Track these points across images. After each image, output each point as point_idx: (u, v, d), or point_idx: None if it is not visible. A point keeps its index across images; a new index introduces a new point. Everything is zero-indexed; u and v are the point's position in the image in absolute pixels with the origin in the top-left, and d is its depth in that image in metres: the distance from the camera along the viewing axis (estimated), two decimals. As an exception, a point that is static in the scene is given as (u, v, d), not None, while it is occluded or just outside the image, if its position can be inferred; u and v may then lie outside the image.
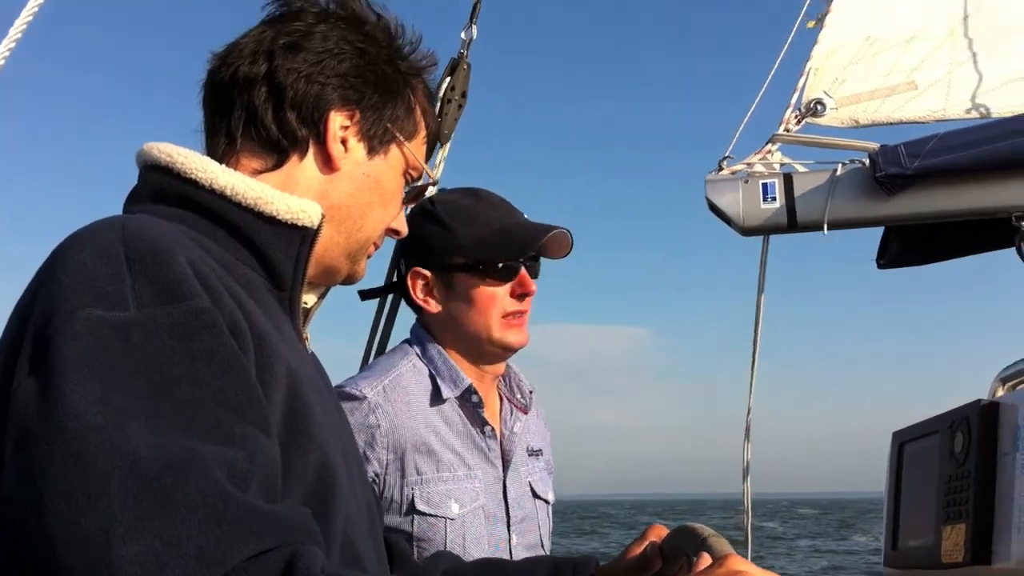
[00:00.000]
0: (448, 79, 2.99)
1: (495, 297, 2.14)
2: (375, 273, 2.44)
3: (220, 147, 1.30)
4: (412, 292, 2.19)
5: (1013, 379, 1.74)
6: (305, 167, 1.30)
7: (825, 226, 2.88)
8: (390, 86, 1.35)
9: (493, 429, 2.17)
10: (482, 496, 2.13)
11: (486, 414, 2.17)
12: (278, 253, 1.25)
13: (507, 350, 2.18)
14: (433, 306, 2.18)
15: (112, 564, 0.84)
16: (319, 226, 1.26)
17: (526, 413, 2.29)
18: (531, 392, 2.32)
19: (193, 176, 1.23)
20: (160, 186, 1.24)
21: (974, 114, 3.15)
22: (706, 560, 1.14)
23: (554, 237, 2.16)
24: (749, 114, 3.10)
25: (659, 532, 1.60)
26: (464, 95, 3.03)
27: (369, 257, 1.40)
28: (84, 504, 0.87)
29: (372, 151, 1.33)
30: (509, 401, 2.29)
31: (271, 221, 1.23)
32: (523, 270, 2.15)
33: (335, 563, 1.13)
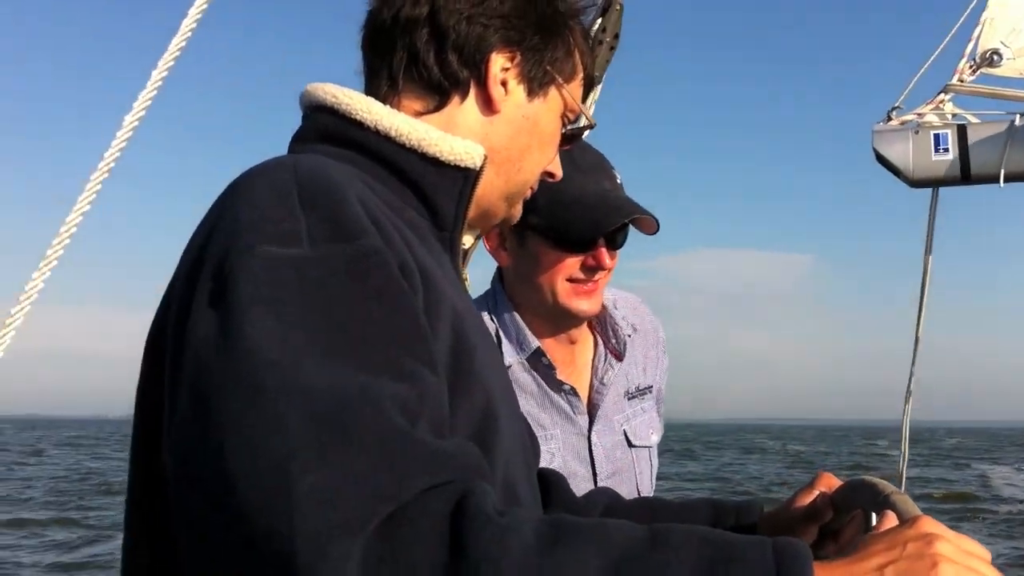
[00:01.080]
0: (600, 20, 2.94)
1: (563, 264, 2.01)
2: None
3: (382, 89, 1.30)
4: (485, 241, 2.12)
5: None
6: (466, 109, 1.30)
7: (1002, 178, 2.81)
8: (550, 27, 1.33)
9: (572, 387, 2.09)
10: (558, 457, 2.06)
11: (566, 373, 2.11)
12: (441, 194, 1.26)
13: (573, 317, 2.08)
14: (504, 259, 2.10)
15: (291, 496, 0.85)
16: (481, 167, 1.26)
17: (620, 359, 2.19)
18: (628, 335, 2.21)
19: (358, 117, 1.24)
20: (326, 127, 1.26)
21: None
22: (891, 519, 1.09)
23: (633, 222, 2.03)
24: (928, 64, 3.02)
25: (829, 482, 1.54)
26: (616, 36, 2.94)
27: (525, 200, 1.40)
28: (262, 439, 0.88)
29: (532, 93, 1.32)
30: (605, 346, 2.19)
31: (434, 162, 1.24)
32: (600, 244, 2.01)
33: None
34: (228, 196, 1.08)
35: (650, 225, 2.04)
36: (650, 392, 2.24)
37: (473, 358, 1.14)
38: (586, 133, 1.70)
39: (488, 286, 2.18)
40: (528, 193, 1.39)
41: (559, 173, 1.42)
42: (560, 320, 2.08)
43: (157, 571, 1.09)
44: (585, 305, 2.04)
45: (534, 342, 2.05)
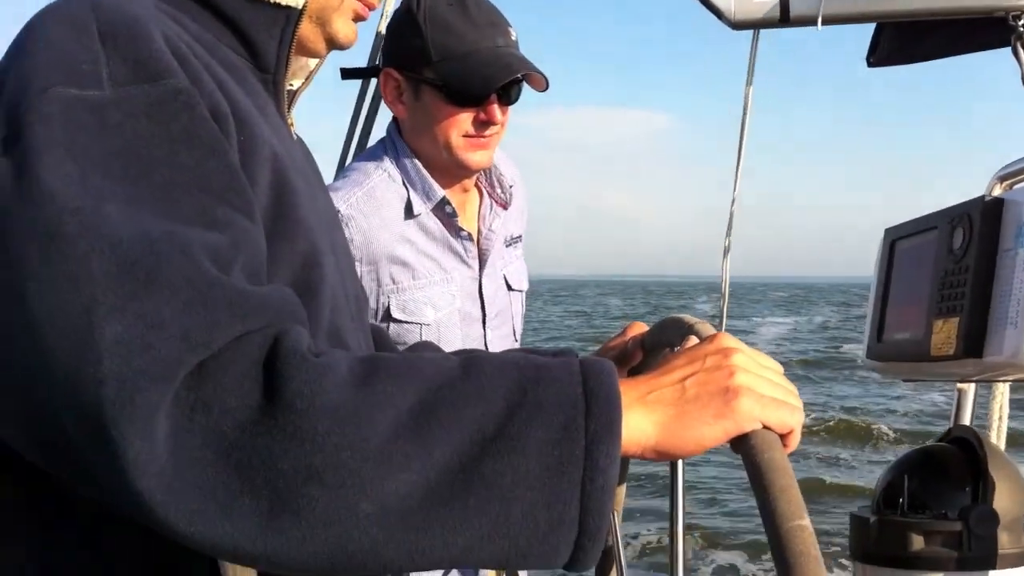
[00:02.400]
0: None
1: (457, 119, 2.10)
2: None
3: None
4: (383, 90, 2.17)
5: (1011, 177, 1.72)
6: None
7: (819, 21, 2.79)
8: None
9: (469, 233, 2.19)
10: (458, 299, 2.16)
11: (461, 220, 2.18)
12: (261, 33, 1.20)
13: (467, 169, 2.15)
14: (401, 111, 2.17)
15: (96, 345, 0.82)
16: (304, 5, 1.20)
17: (506, 208, 2.28)
18: (511, 187, 2.30)
19: None
20: None
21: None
22: (693, 341, 1.12)
23: (524, 78, 2.10)
24: None
25: (639, 328, 1.62)
26: None
27: (359, 18, 1.30)
28: (64, 286, 0.84)
29: None
30: (490, 196, 2.28)
31: (252, 0, 1.18)
32: (492, 99, 2.09)
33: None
34: (22, 36, 1.01)
35: (539, 82, 2.12)
36: (520, 241, 2.36)
37: (296, 203, 1.11)
38: None
39: (376, 138, 2.29)
40: (356, 8, 1.29)
41: None
42: (455, 171, 2.15)
43: None
44: (479, 157, 2.13)
45: (440, 191, 2.14)
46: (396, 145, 2.18)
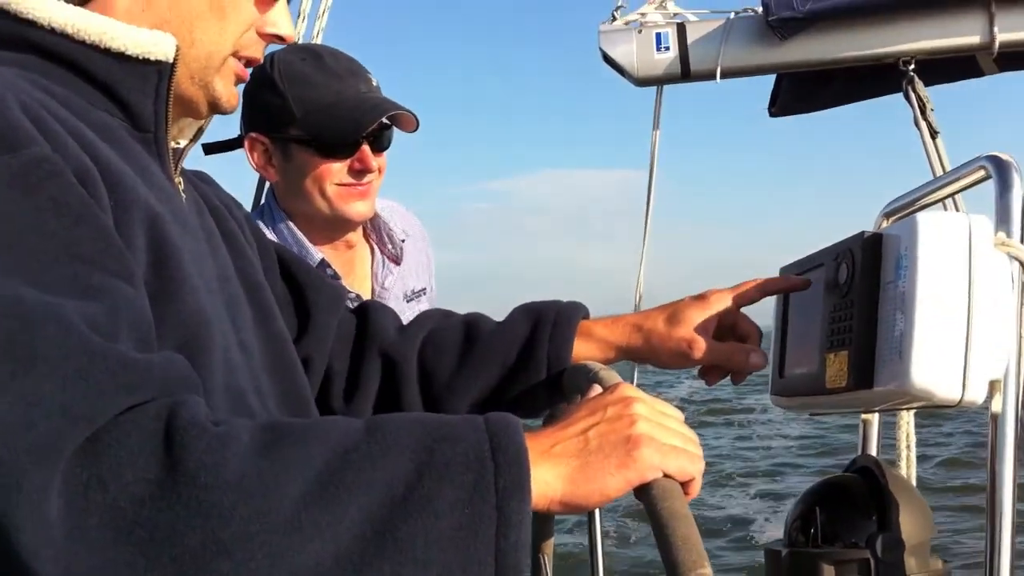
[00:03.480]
0: None
1: (330, 170, 2.04)
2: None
3: None
4: (249, 157, 2.10)
5: (896, 212, 1.79)
6: None
7: (718, 74, 2.90)
8: None
9: (358, 295, 2.09)
10: None
11: (349, 281, 2.12)
12: (134, 92, 1.16)
13: (348, 221, 2.10)
14: (272, 175, 2.10)
15: None
16: (175, 60, 1.16)
17: (398, 264, 2.23)
18: (403, 241, 2.24)
19: (30, 16, 1.12)
20: None
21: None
22: (597, 391, 1.12)
23: (393, 118, 2.05)
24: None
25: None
26: None
27: (240, 81, 1.27)
28: None
29: None
30: (382, 252, 2.22)
31: (120, 58, 1.14)
32: (363, 147, 2.04)
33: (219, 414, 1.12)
34: None
35: (409, 122, 2.07)
36: (424, 294, 2.28)
37: (179, 262, 1.08)
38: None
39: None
40: (237, 70, 1.26)
41: (284, 31, 1.28)
42: (336, 226, 2.10)
43: None
44: (360, 207, 2.07)
45: (317, 253, 2.07)
46: (272, 212, 2.13)
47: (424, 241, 2.35)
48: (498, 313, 1.64)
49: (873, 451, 1.88)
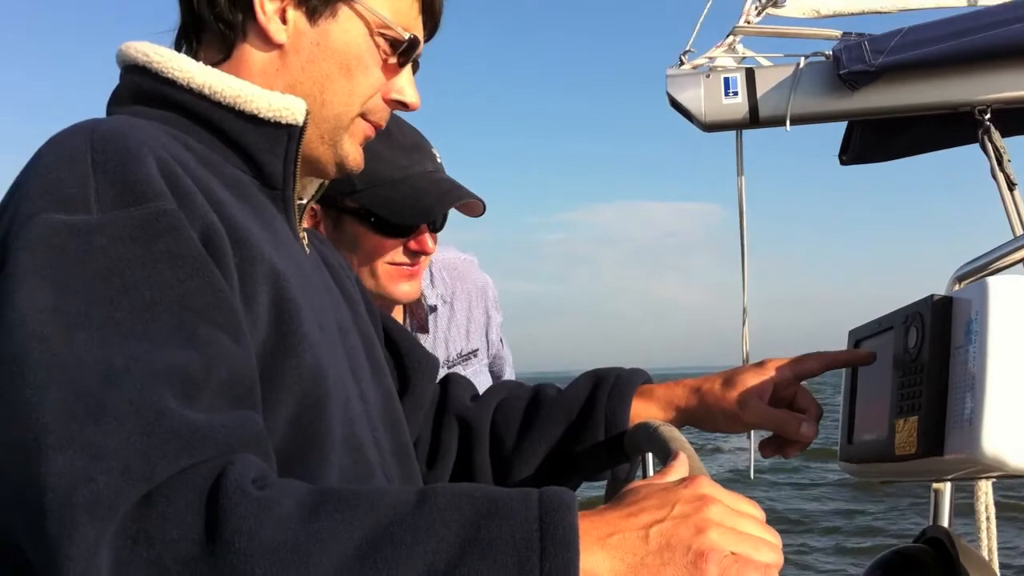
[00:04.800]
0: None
1: (383, 248, 1.94)
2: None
3: (191, 43, 1.27)
4: None
5: (968, 276, 1.73)
6: (251, 52, 1.23)
7: (788, 121, 2.85)
8: None
9: None
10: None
11: None
12: (265, 153, 1.21)
13: (392, 302, 2.02)
14: None
15: (41, 475, 0.83)
16: (305, 122, 1.21)
17: (426, 333, 2.16)
18: (434, 307, 2.19)
19: (171, 76, 1.19)
20: (139, 87, 1.21)
21: (931, 3, 3.12)
22: (674, 470, 1.06)
23: (460, 206, 1.97)
24: (708, 6, 3.04)
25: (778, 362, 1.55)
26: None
27: (367, 139, 1.31)
28: (21, 412, 0.86)
29: (314, 16, 1.23)
30: (413, 318, 2.18)
31: (253, 120, 1.19)
32: (423, 229, 1.95)
33: (341, 466, 1.12)
34: (29, 163, 1.05)
35: (476, 208, 1.98)
36: (475, 356, 2.23)
37: (299, 319, 1.11)
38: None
39: None
40: (366, 130, 1.29)
41: (411, 99, 1.31)
42: (378, 300, 1.98)
43: None
44: (407, 288, 1.99)
45: None
46: None
47: (486, 300, 2.28)
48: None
49: (945, 522, 1.82)
